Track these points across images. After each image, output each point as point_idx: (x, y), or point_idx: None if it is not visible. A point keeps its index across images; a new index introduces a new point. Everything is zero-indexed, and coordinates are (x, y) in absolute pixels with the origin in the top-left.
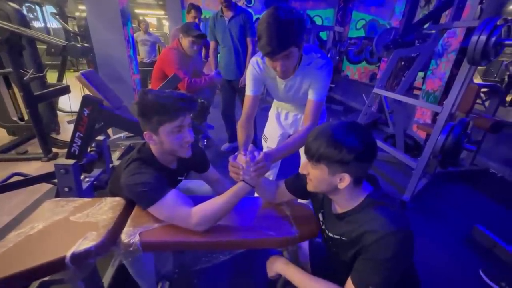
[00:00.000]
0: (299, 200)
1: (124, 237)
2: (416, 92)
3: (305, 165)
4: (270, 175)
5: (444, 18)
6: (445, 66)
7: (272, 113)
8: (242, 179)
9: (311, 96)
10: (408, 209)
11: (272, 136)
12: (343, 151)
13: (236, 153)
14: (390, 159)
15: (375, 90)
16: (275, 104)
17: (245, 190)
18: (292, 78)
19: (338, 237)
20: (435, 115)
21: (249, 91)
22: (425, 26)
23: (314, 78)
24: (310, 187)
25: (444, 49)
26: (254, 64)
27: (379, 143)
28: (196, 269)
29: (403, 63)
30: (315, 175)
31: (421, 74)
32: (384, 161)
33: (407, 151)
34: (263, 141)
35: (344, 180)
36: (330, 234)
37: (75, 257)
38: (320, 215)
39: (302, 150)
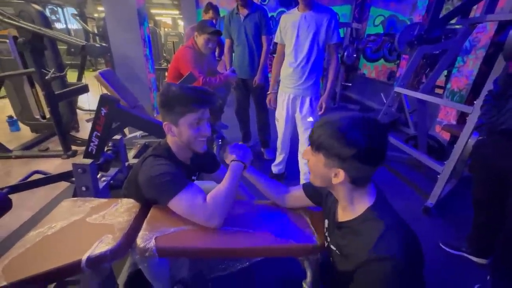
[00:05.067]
0: None
1: (140, 241)
2: (437, 90)
3: (308, 150)
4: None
5: (473, 12)
6: (473, 64)
7: (279, 99)
8: (230, 159)
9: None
10: (433, 215)
11: (281, 117)
12: (342, 144)
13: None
14: (411, 161)
15: (397, 89)
16: (280, 90)
17: (239, 168)
18: (308, 13)
19: (334, 249)
20: (461, 115)
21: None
22: (452, 21)
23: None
24: (311, 177)
25: (472, 45)
26: (284, 13)
27: (400, 145)
28: (212, 276)
29: (424, 60)
30: (313, 162)
31: (443, 72)
32: (405, 163)
33: (430, 153)
34: (276, 122)
35: (339, 176)
36: (330, 244)
37: (91, 261)
38: (326, 221)
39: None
